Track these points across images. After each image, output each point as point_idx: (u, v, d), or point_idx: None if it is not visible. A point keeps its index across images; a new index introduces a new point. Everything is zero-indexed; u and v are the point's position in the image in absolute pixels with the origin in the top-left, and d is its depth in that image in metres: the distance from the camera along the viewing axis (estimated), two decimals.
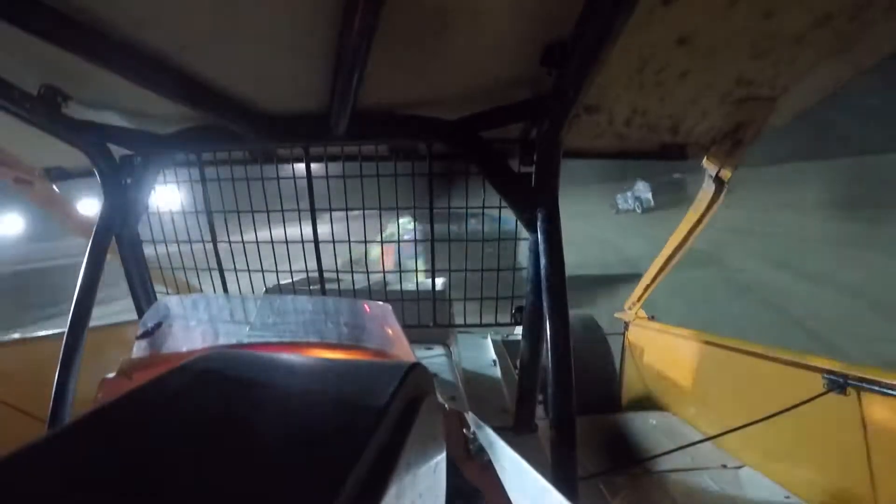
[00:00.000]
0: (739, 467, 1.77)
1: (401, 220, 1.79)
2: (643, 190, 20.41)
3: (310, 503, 0.23)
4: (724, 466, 1.78)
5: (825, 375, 1.44)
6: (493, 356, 2.82)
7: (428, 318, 1.91)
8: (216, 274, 1.87)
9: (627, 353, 2.75)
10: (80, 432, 0.31)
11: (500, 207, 1.72)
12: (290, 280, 2.05)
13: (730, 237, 10.50)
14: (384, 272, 1.92)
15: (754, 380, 1.82)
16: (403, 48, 1.00)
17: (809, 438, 1.55)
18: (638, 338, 2.69)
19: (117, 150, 1.50)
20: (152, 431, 0.31)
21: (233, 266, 1.87)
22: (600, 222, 17.78)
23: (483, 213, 1.78)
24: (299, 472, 0.25)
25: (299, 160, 1.69)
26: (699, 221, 1.89)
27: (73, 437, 0.30)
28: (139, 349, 1.06)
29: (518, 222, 1.43)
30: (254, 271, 1.88)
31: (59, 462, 0.27)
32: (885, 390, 1.31)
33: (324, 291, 1.91)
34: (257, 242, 1.88)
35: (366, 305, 1.20)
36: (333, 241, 1.90)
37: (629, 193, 21.19)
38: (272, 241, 1.87)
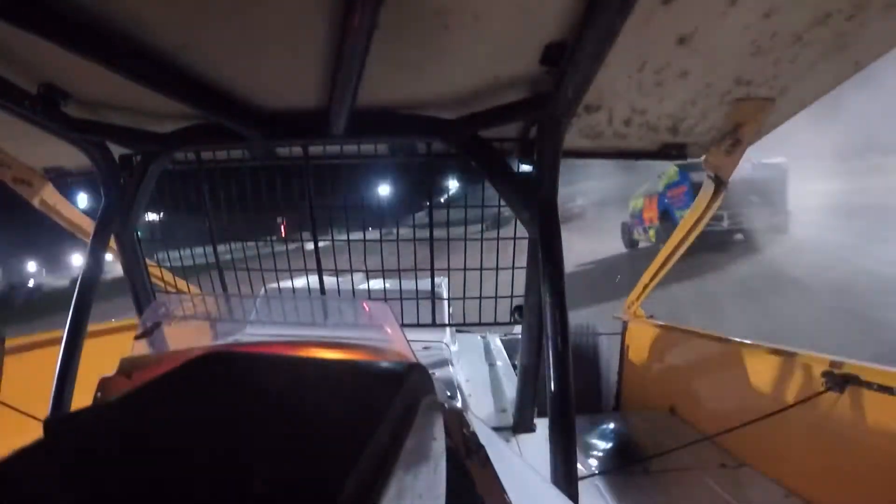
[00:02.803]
0: (739, 466, 1.77)
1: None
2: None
3: (309, 503, 0.23)
4: (724, 465, 1.78)
5: (825, 374, 1.45)
6: (493, 356, 2.82)
7: (427, 317, 1.91)
8: (215, 273, 1.87)
9: (626, 352, 2.76)
10: (83, 431, 0.31)
11: (499, 207, 1.72)
12: (290, 280, 2.05)
13: None
14: (384, 271, 1.92)
15: (753, 378, 1.83)
16: (403, 47, 1.00)
17: (809, 437, 1.55)
18: (637, 337, 2.69)
19: (117, 150, 1.50)
20: (149, 432, 0.31)
21: (232, 266, 1.87)
22: None
23: None
24: (298, 473, 0.25)
25: (298, 159, 1.69)
26: (698, 220, 1.89)
27: (77, 436, 0.30)
28: (138, 348, 1.06)
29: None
30: (253, 271, 1.88)
31: (61, 462, 0.27)
32: (883, 389, 1.31)
33: (323, 291, 1.90)
34: (257, 242, 1.88)
35: (365, 305, 1.20)
36: (333, 241, 1.90)
37: None
38: (272, 240, 1.87)
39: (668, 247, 2.16)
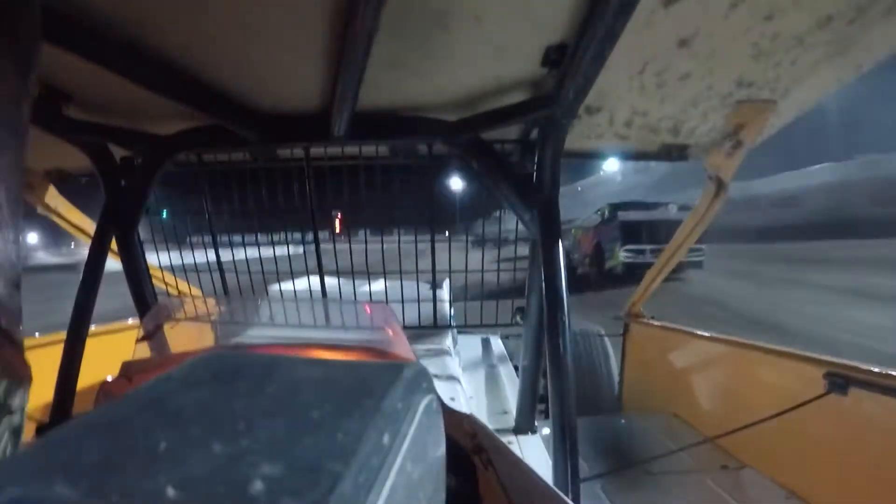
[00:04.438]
0: (740, 468, 1.77)
1: None
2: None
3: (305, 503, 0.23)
4: (725, 467, 1.78)
5: (826, 376, 1.44)
6: (494, 357, 2.82)
7: (429, 319, 1.91)
8: (216, 275, 1.87)
9: (628, 354, 2.75)
10: (81, 431, 0.31)
11: (500, 209, 1.72)
12: (291, 281, 2.05)
13: None
14: (385, 273, 1.92)
15: (755, 380, 1.82)
16: (405, 49, 1.00)
17: (811, 439, 1.55)
18: (638, 338, 2.69)
19: (118, 151, 1.50)
20: (146, 429, 0.31)
21: (233, 267, 1.87)
22: None
23: None
24: (295, 472, 0.25)
25: (300, 161, 1.69)
26: (699, 222, 1.89)
27: (75, 436, 0.30)
28: (140, 351, 1.06)
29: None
30: (254, 273, 1.88)
31: (60, 462, 0.27)
32: (886, 391, 1.31)
33: (324, 293, 1.90)
34: (258, 244, 1.88)
35: (367, 307, 1.20)
36: (334, 243, 1.90)
37: None
38: (273, 243, 1.87)
39: (670, 249, 2.16)
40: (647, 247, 9.39)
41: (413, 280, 1.98)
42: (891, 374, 1.32)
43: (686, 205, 10.05)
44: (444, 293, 2.45)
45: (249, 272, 1.88)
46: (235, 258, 1.86)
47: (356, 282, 2.04)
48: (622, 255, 9.77)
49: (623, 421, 2.35)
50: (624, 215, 10.14)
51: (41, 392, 1.38)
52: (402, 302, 1.90)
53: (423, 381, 0.41)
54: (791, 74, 1.17)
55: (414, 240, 1.89)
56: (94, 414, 0.32)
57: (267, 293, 2.21)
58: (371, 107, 1.25)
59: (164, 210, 1.88)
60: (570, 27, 0.93)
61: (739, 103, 1.30)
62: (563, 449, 1.13)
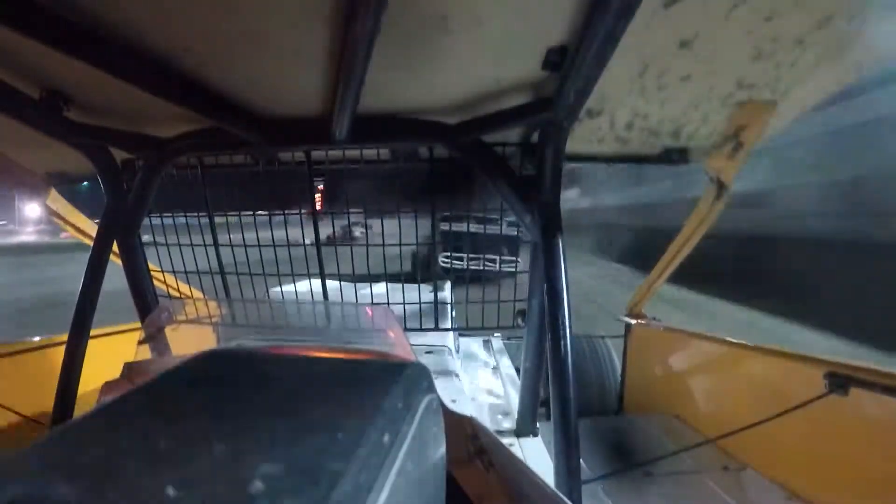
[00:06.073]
0: (742, 469, 1.76)
1: None
2: None
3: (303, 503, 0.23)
4: (726, 468, 1.78)
5: (827, 376, 1.44)
6: (495, 359, 2.82)
7: (430, 321, 1.91)
8: (218, 277, 1.87)
9: (629, 355, 2.75)
10: (81, 430, 0.31)
11: (501, 210, 1.73)
12: (292, 283, 2.05)
13: None
14: (387, 275, 1.92)
15: (756, 381, 1.82)
16: (405, 52, 1.00)
17: (812, 439, 1.55)
18: (640, 339, 2.68)
19: (119, 154, 1.50)
20: (146, 429, 0.31)
21: (234, 270, 1.88)
22: None
23: None
24: (295, 472, 0.26)
25: (301, 164, 1.69)
26: (701, 223, 1.89)
27: (76, 436, 0.30)
28: (142, 353, 1.06)
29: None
30: (256, 275, 1.88)
31: (61, 462, 0.27)
32: (887, 391, 1.31)
33: (325, 295, 1.91)
34: (259, 246, 1.88)
35: (368, 309, 1.20)
36: (335, 245, 1.90)
37: None
38: (274, 245, 1.87)
39: (672, 251, 2.16)
40: (465, 255, 10.45)
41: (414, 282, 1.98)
42: (892, 374, 1.31)
43: (514, 221, 11.37)
44: (446, 295, 2.45)
45: (251, 274, 1.88)
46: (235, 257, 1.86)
47: (357, 284, 2.04)
48: (441, 259, 10.34)
49: (624, 422, 2.34)
50: (445, 226, 10.98)
51: (43, 394, 1.39)
52: (404, 304, 1.91)
53: (423, 381, 0.41)
54: (791, 75, 1.17)
55: (416, 243, 1.89)
56: (95, 414, 0.32)
57: (268, 296, 2.22)
58: (372, 110, 1.25)
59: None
60: (571, 29, 0.93)
61: (740, 105, 1.30)
62: (565, 451, 1.13)
